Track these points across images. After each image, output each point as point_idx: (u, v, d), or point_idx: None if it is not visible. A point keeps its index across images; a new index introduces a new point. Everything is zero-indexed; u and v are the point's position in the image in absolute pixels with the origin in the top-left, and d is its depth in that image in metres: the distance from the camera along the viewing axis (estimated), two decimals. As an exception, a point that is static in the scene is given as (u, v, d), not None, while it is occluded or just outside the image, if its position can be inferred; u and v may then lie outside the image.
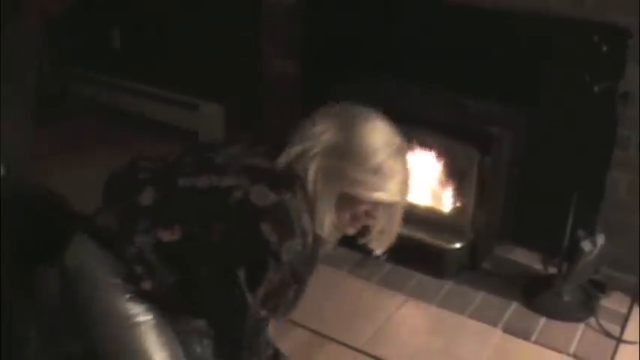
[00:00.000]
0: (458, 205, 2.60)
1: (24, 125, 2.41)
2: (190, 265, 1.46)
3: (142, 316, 1.49)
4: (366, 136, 1.50)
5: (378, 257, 2.62)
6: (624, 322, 2.34)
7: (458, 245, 2.58)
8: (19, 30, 2.28)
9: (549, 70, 2.45)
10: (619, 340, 2.28)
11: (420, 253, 2.58)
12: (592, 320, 2.37)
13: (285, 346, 1.89)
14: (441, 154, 2.58)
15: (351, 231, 1.60)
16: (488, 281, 2.57)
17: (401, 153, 1.55)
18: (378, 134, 1.52)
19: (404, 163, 1.56)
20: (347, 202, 1.52)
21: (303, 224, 1.44)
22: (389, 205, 1.55)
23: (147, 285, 1.48)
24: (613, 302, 2.46)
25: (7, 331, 1.65)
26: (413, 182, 1.61)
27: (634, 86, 2.29)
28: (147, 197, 1.51)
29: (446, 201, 2.65)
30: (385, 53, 2.75)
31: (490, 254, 2.71)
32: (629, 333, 2.31)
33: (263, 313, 1.49)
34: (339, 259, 2.60)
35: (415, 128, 2.37)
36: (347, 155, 1.49)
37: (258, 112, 3.22)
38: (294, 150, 1.50)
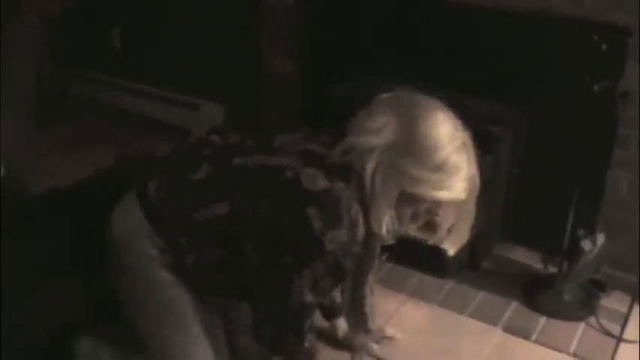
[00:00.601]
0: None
1: (24, 125, 2.41)
2: (235, 241, 1.43)
3: (181, 288, 1.50)
4: (429, 132, 1.42)
5: (379, 257, 2.63)
6: (624, 321, 2.34)
7: (458, 244, 2.58)
8: (19, 30, 2.28)
9: (549, 70, 2.45)
10: (619, 340, 2.28)
11: (420, 252, 2.58)
12: (592, 319, 2.37)
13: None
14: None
15: (412, 229, 1.54)
16: (489, 280, 2.57)
17: (466, 147, 1.46)
18: (442, 128, 1.43)
19: (470, 157, 1.47)
20: (407, 199, 1.45)
21: (353, 215, 1.39)
22: (454, 202, 1.47)
23: (189, 259, 1.47)
24: (613, 301, 2.45)
25: (7, 329, 1.65)
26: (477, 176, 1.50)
27: (634, 85, 2.29)
28: (200, 173, 1.49)
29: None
30: (385, 53, 2.74)
31: (490, 253, 2.71)
32: (630, 332, 2.31)
33: (309, 298, 1.44)
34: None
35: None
36: (408, 153, 1.41)
37: (258, 112, 3.22)
38: (351, 143, 1.44)
